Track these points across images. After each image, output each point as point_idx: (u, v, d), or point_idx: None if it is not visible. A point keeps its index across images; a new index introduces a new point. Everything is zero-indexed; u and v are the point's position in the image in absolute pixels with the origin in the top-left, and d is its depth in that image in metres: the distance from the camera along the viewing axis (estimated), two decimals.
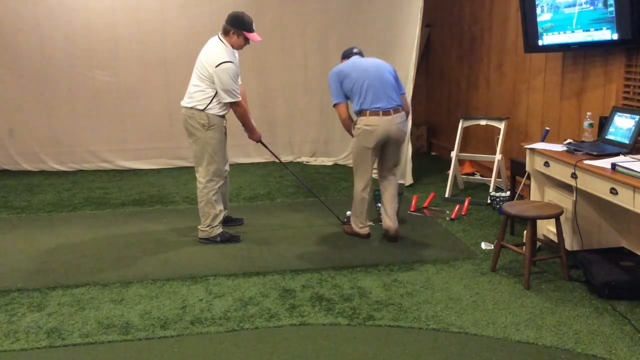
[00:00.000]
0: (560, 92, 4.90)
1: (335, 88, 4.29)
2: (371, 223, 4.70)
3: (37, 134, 7.01)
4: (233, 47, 4.24)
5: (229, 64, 4.12)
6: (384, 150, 4.33)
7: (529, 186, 4.28)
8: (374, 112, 4.17)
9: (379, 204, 4.64)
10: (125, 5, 6.82)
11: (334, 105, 4.34)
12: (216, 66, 4.10)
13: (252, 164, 7.25)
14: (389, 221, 4.36)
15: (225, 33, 4.22)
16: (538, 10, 4.62)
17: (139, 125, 7.11)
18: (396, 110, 4.23)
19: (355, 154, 4.33)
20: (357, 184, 4.37)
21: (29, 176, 6.77)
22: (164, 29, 6.93)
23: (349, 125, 4.37)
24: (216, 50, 4.16)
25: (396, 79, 4.34)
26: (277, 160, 5.24)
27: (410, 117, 5.91)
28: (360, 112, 4.23)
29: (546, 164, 3.78)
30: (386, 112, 4.18)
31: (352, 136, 4.34)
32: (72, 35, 6.81)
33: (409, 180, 6.03)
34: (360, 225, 4.43)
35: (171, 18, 6.91)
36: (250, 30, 4.23)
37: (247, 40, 4.26)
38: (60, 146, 7.05)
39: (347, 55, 4.48)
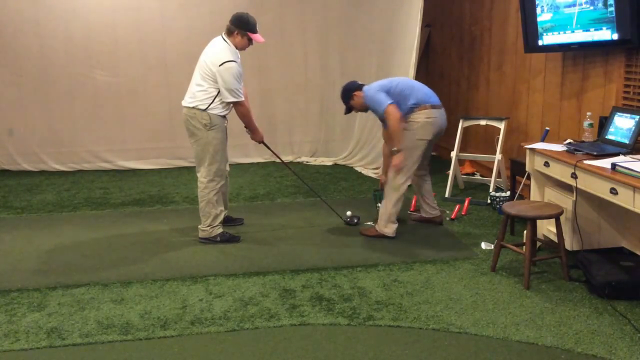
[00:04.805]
0: (560, 92, 4.90)
1: (381, 96, 4.22)
2: (371, 223, 4.71)
3: (37, 134, 7.02)
4: (237, 47, 4.24)
5: (233, 63, 4.13)
6: (429, 145, 4.45)
7: (529, 186, 4.28)
8: (434, 106, 4.33)
9: (379, 204, 4.64)
10: (125, 5, 6.82)
11: (385, 110, 4.16)
12: (220, 65, 4.11)
13: (252, 164, 7.25)
14: (436, 210, 4.73)
15: (229, 33, 4.23)
16: (538, 10, 4.62)
17: (139, 125, 7.12)
18: (441, 106, 4.45)
19: (409, 149, 4.28)
20: (404, 181, 4.36)
21: (29, 176, 6.77)
22: (164, 29, 6.93)
23: (400, 127, 4.20)
24: (220, 50, 4.17)
25: None
26: (279, 160, 5.23)
27: None
28: (417, 106, 4.29)
29: (546, 164, 3.78)
30: (439, 106, 4.38)
31: (393, 143, 4.22)
32: (72, 35, 6.82)
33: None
34: (392, 224, 4.39)
35: (171, 18, 6.92)
36: (254, 31, 4.24)
37: (250, 41, 4.27)
38: (60, 146, 7.06)
39: (356, 87, 4.42)
